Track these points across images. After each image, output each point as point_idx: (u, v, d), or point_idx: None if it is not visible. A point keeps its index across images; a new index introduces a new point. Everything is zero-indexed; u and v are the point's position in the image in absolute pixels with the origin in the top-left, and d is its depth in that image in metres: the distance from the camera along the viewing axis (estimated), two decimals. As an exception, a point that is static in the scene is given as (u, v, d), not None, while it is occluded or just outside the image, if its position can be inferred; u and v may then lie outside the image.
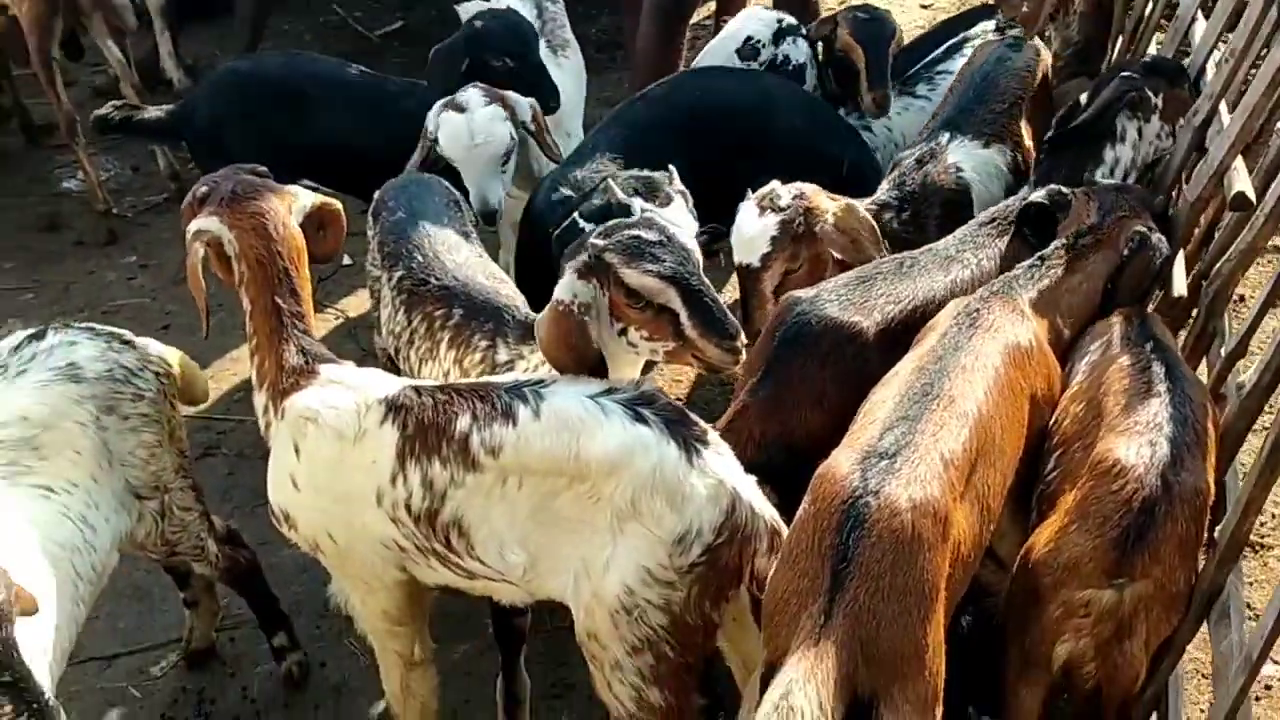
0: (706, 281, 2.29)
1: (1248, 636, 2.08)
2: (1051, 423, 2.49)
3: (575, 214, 3.06)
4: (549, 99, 3.70)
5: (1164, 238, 2.76)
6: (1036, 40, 3.78)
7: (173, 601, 3.39)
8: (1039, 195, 2.86)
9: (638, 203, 2.46)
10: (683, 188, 2.78)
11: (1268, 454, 2.04)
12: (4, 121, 5.80)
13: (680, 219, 2.47)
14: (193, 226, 2.47)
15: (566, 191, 3.33)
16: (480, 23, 3.86)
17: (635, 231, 2.28)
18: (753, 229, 2.95)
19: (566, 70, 4.10)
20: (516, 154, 3.51)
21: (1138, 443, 2.21)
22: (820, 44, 4.10)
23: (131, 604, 3.48)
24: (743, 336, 2.27)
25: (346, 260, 4.74)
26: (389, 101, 3.98)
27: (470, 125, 3.42)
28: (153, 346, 2.76)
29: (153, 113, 4.22)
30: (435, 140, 3.46)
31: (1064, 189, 2.86)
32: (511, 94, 3.54)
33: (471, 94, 3.48)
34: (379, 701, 3.20)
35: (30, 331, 2.64)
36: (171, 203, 5.33)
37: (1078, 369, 2.55)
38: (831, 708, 1.87)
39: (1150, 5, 4.03)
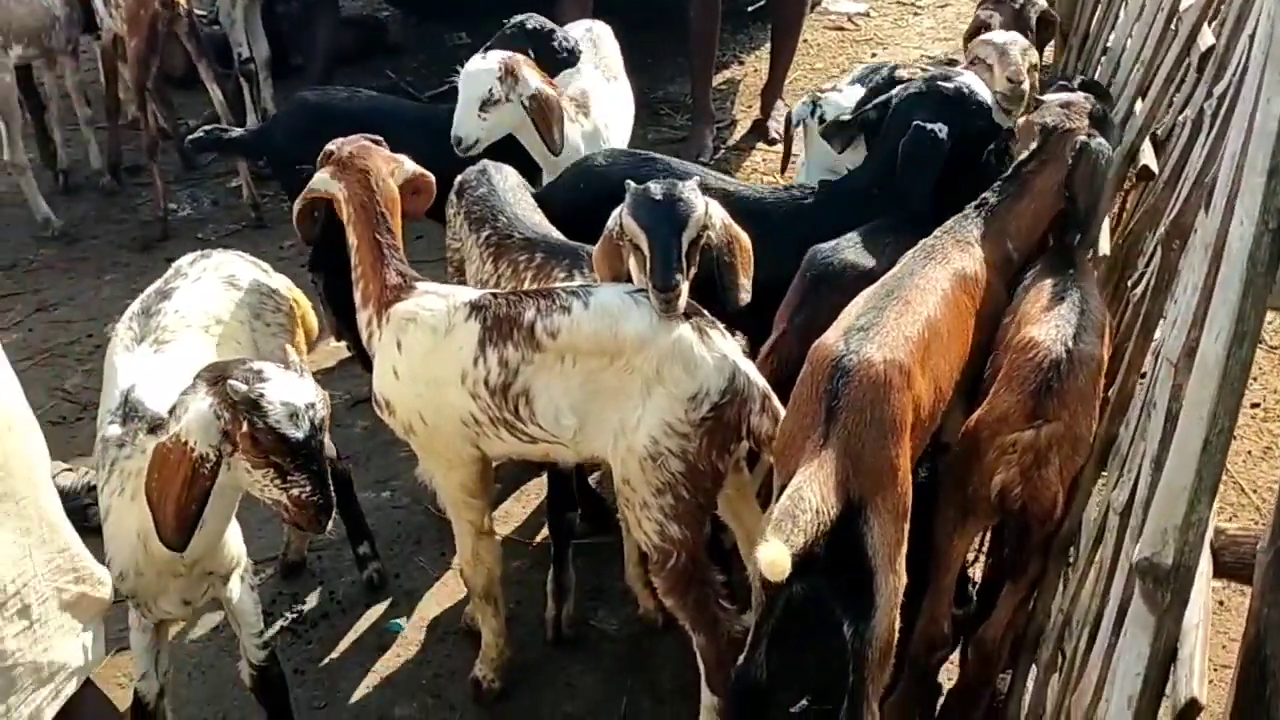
0: (680, 236, 2.74)
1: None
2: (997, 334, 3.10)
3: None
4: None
5: (1104, 140, 3.18)
6: None
7: (268, 529, 4.04)
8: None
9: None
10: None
11: (1141, 321, 2.69)
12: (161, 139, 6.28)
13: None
14: (312, 180, 3.18)
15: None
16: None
17: (648, 189, 2.84)
18: None
19: (615, 96, 4.57)
20: (498, 116, 3.89)
21: (1046, 326, 2.81)
22: None
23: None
24: (677, 290, 2.72)
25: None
26: (436, 122, 4.32)
27: (469, 64, 3.92)
28: (284, 278, 3.47)
29: (238, 132, 4.96)
30: None
31: (1013, 127, 3.30)
32: (527, 70, 3.89)
33: (493, 51, 3.97)
34: (445, 604, 3.86)
35: (200, 252, 3.37)
36: (250, 230, 6.11)
37: (1016, 293, 3.12)
38: (830, 502, 2.43)
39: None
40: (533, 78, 3.91)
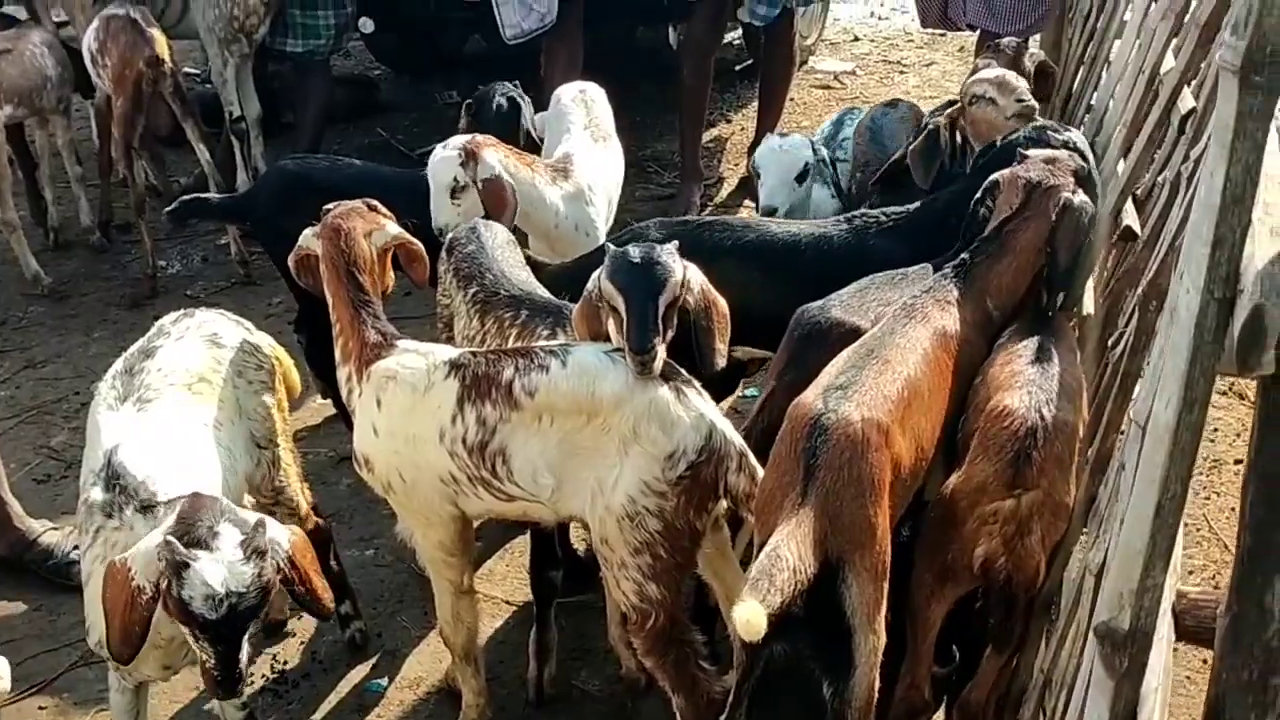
0: (657, 300, 2.76)
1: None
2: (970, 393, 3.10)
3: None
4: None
5: (1087, 198, 3.16)
6: None
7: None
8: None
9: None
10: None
11: (1120, 381, 2.69)
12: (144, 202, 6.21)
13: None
14: (300, 238, 3.25)
15: None
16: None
17: (626, 252, 2.86)
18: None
19: (603, 157, 4.61)
20: (471, 199, 3.93)
21: (1020, 393, 2.78)
22: None
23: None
24: (653, 353, 2.73)
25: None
26: (414, 185, 4.30)
27: (433, 154, 4.00)
28: (266, 337, 3.49)
29: (219, 198, 4.99)
30: None
31: (996, 181, 3.20)
32: (489, 152, 3.95)
33: (455, 138, 4.04)
34: (428, 663, 3.82)
35: (182, 311, 3.39)
36: (239, 286, 6.12)
37: (993, 351, 3.09)
38: (808, 561, 2.43)
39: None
40: (493, 159, 3.96)
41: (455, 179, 3.91)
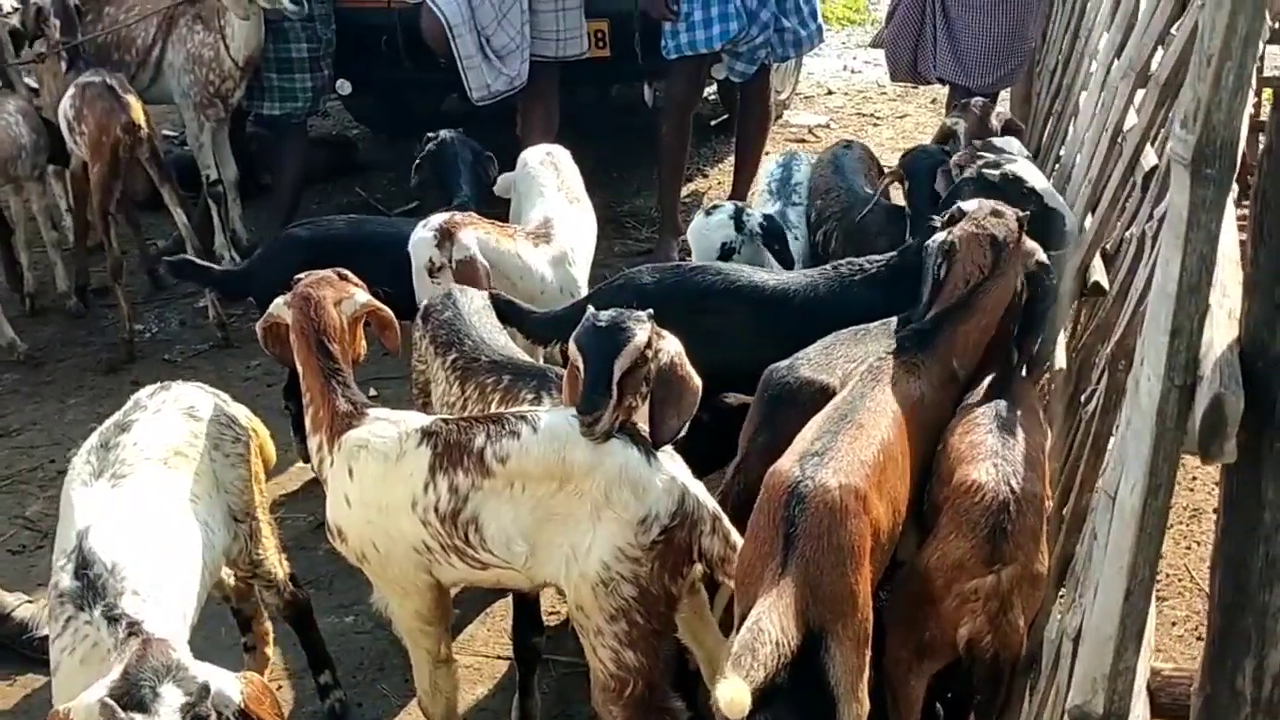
0: (612, 364, 2.74)
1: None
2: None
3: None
4: None
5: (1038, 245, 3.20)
6: None
7: (229, 657, 3.96)
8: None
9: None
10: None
11: (1092, 440, 2.69)
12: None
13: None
14: (270, 306, 3.26)
15: None
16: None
17: (596, 316, 2.87)
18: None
19: (582, 218, 4.68)
20: (449, 278, 3.98)
21: (986, 466, 2.77)
22: None
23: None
24: (595, 415, 2.73)
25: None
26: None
27: (413, 234, 4.11)
28: (242, 408, 3.47)
29: (221, 270, 4.98)
30: None
31: (953, 242, 3.17)
32: (466, 232, 4.04)
33: (434, 217, 4.13)
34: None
35: (159, 384, 3.39)
36: (217, 349, 6.10)
37: (955, 416, 3.07)
38: (790, 633, 2.42)
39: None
40: (469, 239, 4.03)
41: (431, 260, 3.99)
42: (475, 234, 4.05)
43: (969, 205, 3.28)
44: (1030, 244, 3.21)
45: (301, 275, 3.28)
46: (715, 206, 4.51)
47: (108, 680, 2.43)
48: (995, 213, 3.20)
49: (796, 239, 4.75)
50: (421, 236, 4.04)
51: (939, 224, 3.32)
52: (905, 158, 4.65)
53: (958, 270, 3.14)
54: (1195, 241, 1.45)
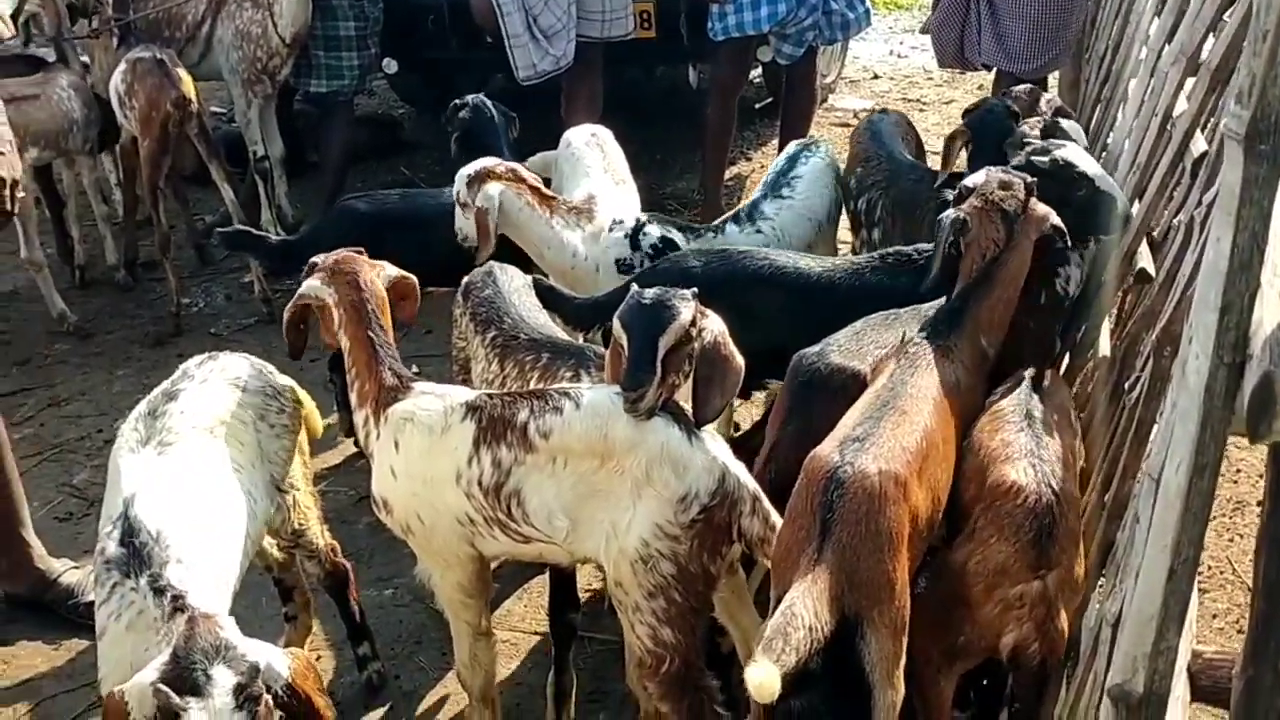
0: (656, 341, 2.73)
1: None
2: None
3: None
4: None
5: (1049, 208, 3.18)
6: None
7: (270, 627, 4.02)
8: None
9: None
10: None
11: (1135, 427, 2.68)
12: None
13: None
14: (301, 288, 3.23)
15: None
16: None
17: (640, 293, 2.86)
18: None
19: (627, 199, 4.63)
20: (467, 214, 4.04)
21: (1023, 465, 2.72)
22: None
23: (234, 630, 4.12)
24: (640, 392, 2.72)
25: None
26: None
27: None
28: (289, 380, 3.51)
29: (275, 240, 5.02)
30: None
31: (964, 219, 3.16)
32: (493, 184, 4.02)
33: (487, 160, 4.17)
34: (445, 706, 3.83)
35: (207, 354, 3.42)
36: (262, 324, 6.17)
37: (984, 409, 3.03)
38: (824, 618, 2.41)
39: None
40: (493, 190, 4.03)
41: (459, 194, 4.06)
42: (501, 189, 4.05)
43: (976, 179, 3.25)
44: (1041, 209, 3.18)
45: (319, 259, 3.26)
46: (618, 222, 4.33)
47: (158, 663, 2.46)
48: (1004, 184, 3.18)
49: (773, 229, 4.56)
50: (463, 171, 4.09)
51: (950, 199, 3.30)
52: (971, 115, 4.42)
53: (973, 246, 3.14)
54: (1247, 218, 1.44)
